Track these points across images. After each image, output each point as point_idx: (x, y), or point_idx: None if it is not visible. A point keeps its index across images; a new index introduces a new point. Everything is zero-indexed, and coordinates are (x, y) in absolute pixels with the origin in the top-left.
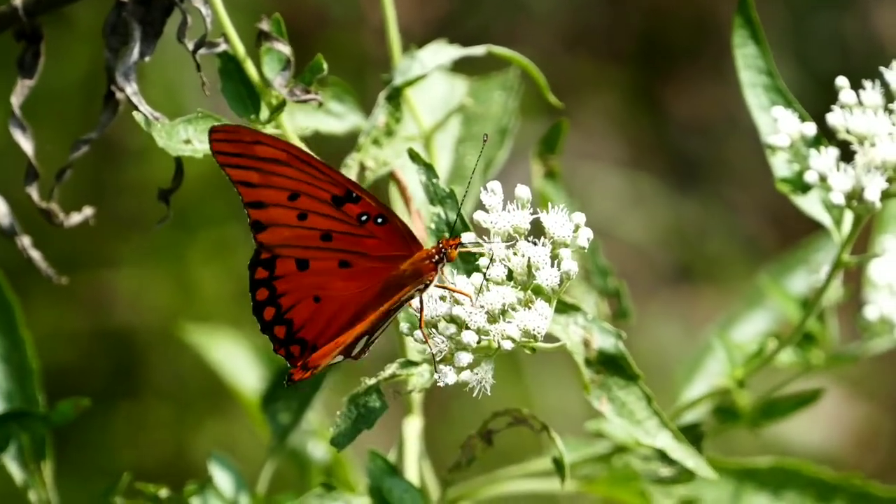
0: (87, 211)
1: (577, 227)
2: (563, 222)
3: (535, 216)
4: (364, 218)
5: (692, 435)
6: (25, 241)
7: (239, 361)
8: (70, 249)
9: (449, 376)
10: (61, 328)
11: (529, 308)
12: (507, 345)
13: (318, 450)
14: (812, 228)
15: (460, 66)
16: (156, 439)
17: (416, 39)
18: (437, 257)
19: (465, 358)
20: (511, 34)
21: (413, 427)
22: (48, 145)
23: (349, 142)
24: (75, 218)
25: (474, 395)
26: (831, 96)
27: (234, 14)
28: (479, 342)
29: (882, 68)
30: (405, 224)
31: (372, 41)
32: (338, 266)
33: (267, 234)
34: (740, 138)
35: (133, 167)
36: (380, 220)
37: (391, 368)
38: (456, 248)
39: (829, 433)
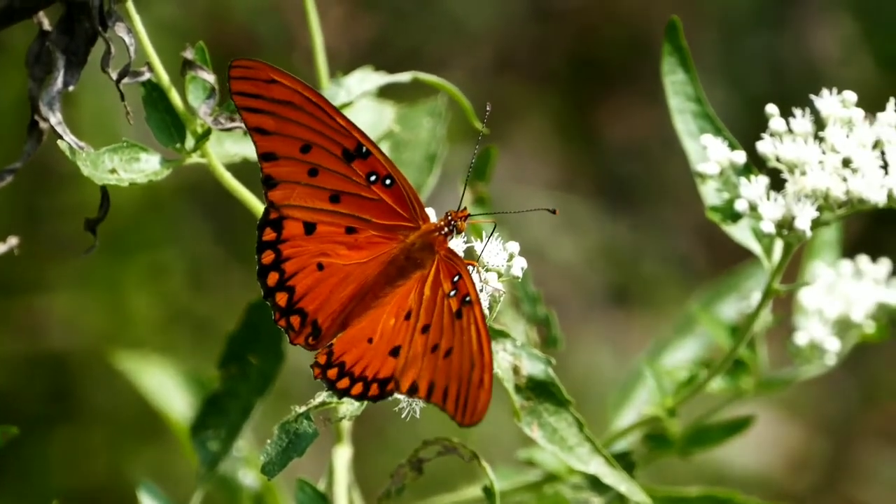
0: (12, 241)
1: (510, 256)
2: (497, 251)
3: (468, 244)
4: (373, 178)
5: (624, 462)
6: None
7: (169, 389)
8: (4, 274)
9: None
10: None
11: None
12: None
13: (249, 477)
14: (746, 252)
15: (388, 92)
16: (91, 464)
17: (344, 61)
18: (446, 229)
19: None
20: (441, 56)
21: (343, 455)
22: None
23: None
24: (0, 248)
25: (403, 416)
26: (764, 120)
27: (160, 37)
28: None
29: (813, 96)
30: (413, 189)
31: (301, 64)
32: (344, 232)
33: (278, 192)
34: (673, 161)
35: (67, 191)
36: (388, 182)
37: (321, 396)
38: (464, 220)
39: (762, 455)
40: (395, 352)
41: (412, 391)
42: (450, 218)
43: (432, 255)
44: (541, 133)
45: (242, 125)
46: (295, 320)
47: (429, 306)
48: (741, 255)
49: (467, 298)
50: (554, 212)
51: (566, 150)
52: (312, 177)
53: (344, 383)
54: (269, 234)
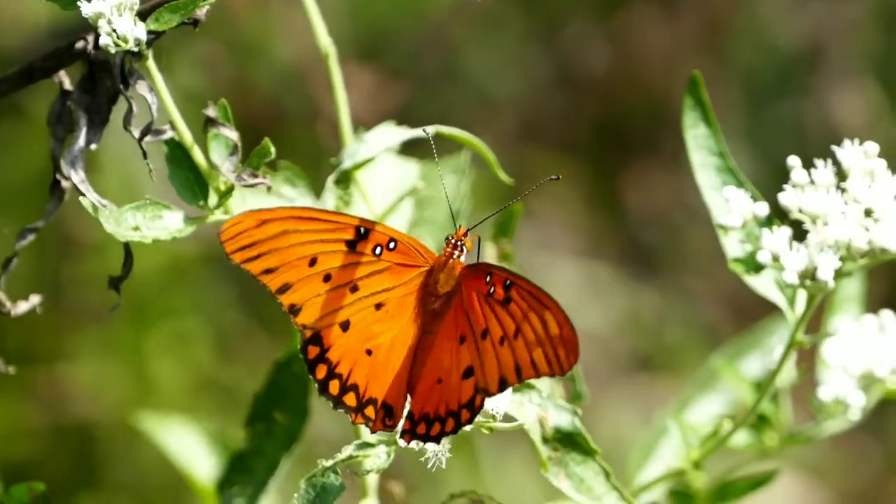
0: (34, 299)
1: None
2: None
3: None
4: (378, 251)
5: None
6: None
7: (192, 449)
8: (28, 343)
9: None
10: (19, 423)
11: None
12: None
13: None
14: (770, 315)
15: (411, 152)
16: None
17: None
18: (455, 252)
19: None
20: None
21: None
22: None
23: None
24: (22, 307)
25: (429, 466)
26: (787, 181)
27: (185, 104)
28: None
29: (834, 147)
30: (410, 237)
31: (326, 134)
32: (374, 310)
33: (304, 315)
34: (697, 227)
35: (91, 261)
36: (392, 246)
37: (348, 450)
38: (466, 237)
39: None
40: (467, 374)
41: (503, 387)
42: (452, 240)
43: (455, 279)
44: (565, 200)
45: (266, 181)
46: (370, 411)
47: (477, 318)
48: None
49: (508, 282)
50: (557, 178)
51: (591, 217)
52: (328, 282)
53: (436, 429)
54: (314, 351)
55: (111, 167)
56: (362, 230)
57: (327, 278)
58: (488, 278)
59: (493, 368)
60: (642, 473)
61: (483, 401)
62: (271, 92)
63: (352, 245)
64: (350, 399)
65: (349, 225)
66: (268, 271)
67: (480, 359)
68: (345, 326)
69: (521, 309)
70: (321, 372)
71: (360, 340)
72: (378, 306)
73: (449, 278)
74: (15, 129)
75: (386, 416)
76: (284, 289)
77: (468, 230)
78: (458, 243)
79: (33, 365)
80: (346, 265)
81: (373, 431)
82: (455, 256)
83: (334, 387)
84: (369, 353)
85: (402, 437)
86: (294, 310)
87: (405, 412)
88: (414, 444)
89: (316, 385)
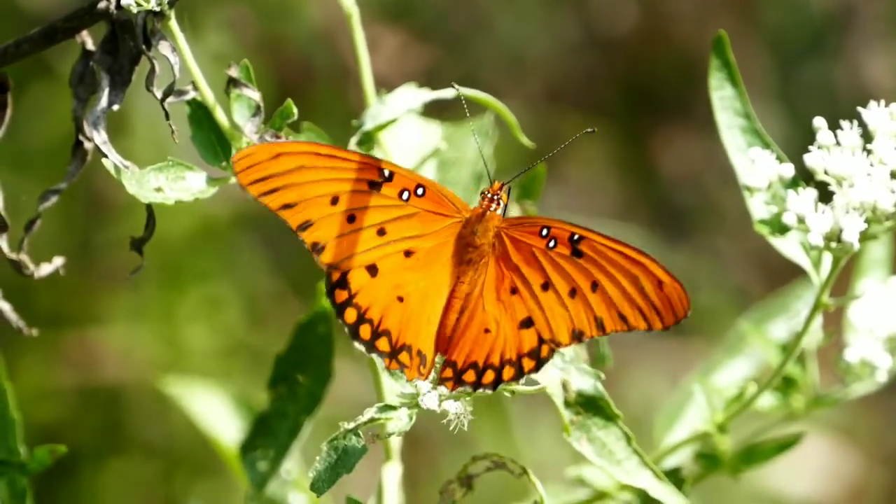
0: (58, 261)
1: None
2: None
3: None
4: (405, 195)
5: (674, 479)
6: None
7: (218, 412)
8: (58, 306)
9: (431, 402)
10: (49, 385)
11: None
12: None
13: (299, 500)
14: (799, 278)
15: (435, 114)
16: (146, 496)
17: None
18: (493, 205)
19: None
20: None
21: (393, 473)
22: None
23: None
24: (45, 269)
25: (451, 428)
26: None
27: (213, 66)
28: None
29: (860, 109)
30: (442, 186)
31: (355, 95)
32: (404, 258)
33: (328, 254)
34: (729, 189)
35: (121, 223)
36: (420, 192)
37: (370, 412)
38: (502, 190)
39: (819, 483)
40: (525, 324)
41: (578, 338)
42: (489, 194)
43: (493, 232)
44: (594, 163)
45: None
46: (405, 357)
47: (530, 270)
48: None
49: (576, 237)
50: (593, 131)
51: (621, 180)
52: (352, 222)
53: (489, 376)
54: (342, 295)
55: (142, 129)
56: (386, 172)
57: (351, 219)
58: (544, 232)
59: (561, 321)
60: (669, 437)
61: (552, 351)
62: (301, 52)
63: (376, 186)
64: (383, 344)
65: (371, 165)
66: (287, 206)
67: (542, 311)
68: (373, 272)
69: (598, 265)
70: (351, 316)
71: (391, 287)
72: (408, 254)
73: (486, 230)
74: (47, 89)
75: (422, 364)
76: (306, 226)
77: (503, 184)
78: (495, 197)
79: (64, 327)
80: (370, 207)
81: (409, 379)
82: (492, 210)
83: (365, 331)
84: (401, 300)
85: (443, 384)
86: (317, 248)
87: (438, 360)
88: (437, 406)
89: (346, 329)
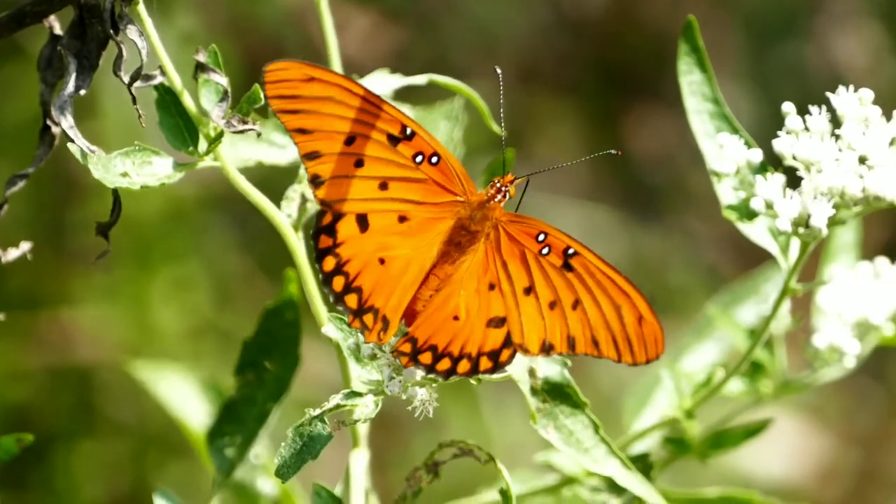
0: (25, 246)
1: None
2: None
3: None
4: (419, 158)
5: (642, 464)
6: None
7: (187, 397)
8: (29, 288)
9: (395, 387)
10: (20, 366)
11: None
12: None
13: (268, 485)
14: (769, 261)
15: (406, 97)
16: (116, 477)
17: (367, 72)
18: (498, 196)
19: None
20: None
21: (360, 459)
22: None
23: (292, 173)
24: (13, 253)
25: (416, 415)
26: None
27: (182, 48)
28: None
29: (829, 94)
30: (458, 164)
31: None
32: (397, 221)
33: (325, 188)
34: (700, 170)
35: (92, 204)
36: (434, 160)
37: (335, 399)
38: (512, 184)
39: (789, 464)
40: (495, 323)
41: (547, 350)
42: (498, 184)
43: (491, 222)
44: (565, 143)
45: (255, 128)
46: (368, 319)
47: (516, 270)
48: (767, 265)
49: (570, 251)
50: (618, 153)
51: (592, 160)
52: (359, 167)
53: (445, 364)
54: (326, 241)
55: (113, 110)
56: (408, 130)
57: (359, 163)
58: (540, 237)
59: (534, 329)
60: (638, 421)
61: (513, 356)
62: (271, 34)
63: (393, 140)
64: (352, 300)
65: (397, 119)
66: (301, 131)
67: (519, 314)
68: (363, 225)
69: (585, 283)
70: (329, 264)
71: (376, 247)
72: (402, 219)
73: (485, 219)
74: (17, 69)
75: (382, 329)
76: (313, 156)
77: (516, 177)
78: (503, 188)
79: (35, 309)
80: (382, 159)
81: (367, 341)
82: (496, 200)
83: (338, 283)
84: (382, 262)
85: (398, 357)
86: (316, 181)
87: (400, 331)
88: (401, 392)
89: (321, 276)
